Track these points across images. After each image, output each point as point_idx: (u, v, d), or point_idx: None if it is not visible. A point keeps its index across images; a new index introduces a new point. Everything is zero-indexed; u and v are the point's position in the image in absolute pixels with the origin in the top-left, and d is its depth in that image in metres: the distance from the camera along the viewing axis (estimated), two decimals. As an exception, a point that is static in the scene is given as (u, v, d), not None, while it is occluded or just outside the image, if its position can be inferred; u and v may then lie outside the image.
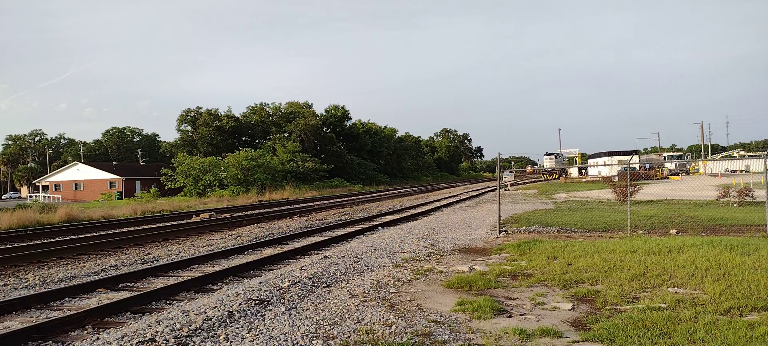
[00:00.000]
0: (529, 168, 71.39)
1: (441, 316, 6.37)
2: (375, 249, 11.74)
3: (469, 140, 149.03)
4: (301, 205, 32.51)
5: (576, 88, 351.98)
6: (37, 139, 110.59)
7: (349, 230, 17.40)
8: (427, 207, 27.02)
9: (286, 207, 31.05)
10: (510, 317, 6.29)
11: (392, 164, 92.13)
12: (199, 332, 5.84)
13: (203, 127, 68.76)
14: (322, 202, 35.45)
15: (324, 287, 8.17)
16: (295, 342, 5.54)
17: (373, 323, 6.12)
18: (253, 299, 7.16)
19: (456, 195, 38.79)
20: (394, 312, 6.60)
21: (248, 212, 27.30)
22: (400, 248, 12.06)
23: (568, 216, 18.08)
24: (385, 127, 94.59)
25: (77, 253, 13.25)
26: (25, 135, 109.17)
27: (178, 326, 5.98)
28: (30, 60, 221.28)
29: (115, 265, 11.64)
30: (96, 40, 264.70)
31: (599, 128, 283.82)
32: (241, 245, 13.66)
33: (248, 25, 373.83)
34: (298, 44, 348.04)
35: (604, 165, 36.80)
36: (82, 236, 17.25)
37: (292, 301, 7.27)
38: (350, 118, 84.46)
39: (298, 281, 8.28)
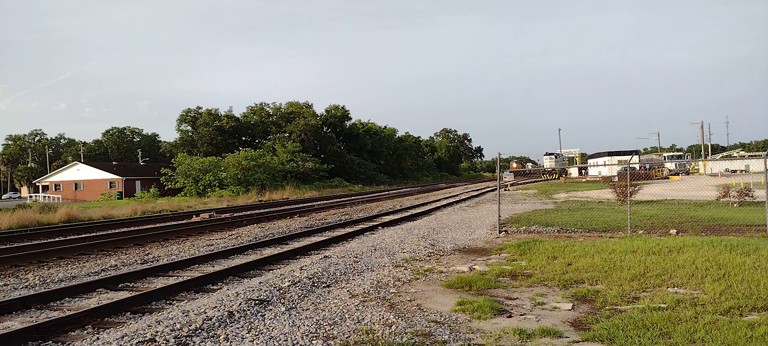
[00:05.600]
0: (513, 164, 70.17)
1: (441, 316, 6.37)
2: (375, 249, 11.73)
3: (469, 140, 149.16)
4: (301, 205, 32.51)
5: (576, 88, 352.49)
6: (37, 139, 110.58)
7: (349, 230, 17.39)
8: (427, 207, 27.02)
9: (286, 207, 31.05)
10: (510, 317, 6.29)
11: (392, 164, 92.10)
12: (199, 332, 5.84)
13: (203, 127, 68.74)
14: (322, 202, 35.45)
15: (324, 287, 8.17)
16: (295, 342, 5.54)
17: (373, 323, 6.12)
18: (253, 299, 7.16)
19: (456, 195, 38.79)
20: (394, 312, 6.60)
21: (248, 212, 27.29)
22: (400, 248, 12.05)
23: (568, 216, 18.07)
24: (385, 127, 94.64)
25: (77, 253, 13.25)
26: (25, 135, 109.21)
27: (178, 326, 5.98)
28: (30, 60, 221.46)
29: (115, 265, 11.63)
30: (96, 40, 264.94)
31: (599, 128, 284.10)
32: (241, 245, 13.66)
33: (248, 25, 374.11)
34: (298, 44, 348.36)
35: (604, 165, 36.85)
36: (82, 236, 17.24)
37: (292, 301, 7.27)
38: (350, 118, 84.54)
39: (298, 281, 8.28)
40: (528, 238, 13.10)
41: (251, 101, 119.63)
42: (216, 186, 51.53)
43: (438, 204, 28.74)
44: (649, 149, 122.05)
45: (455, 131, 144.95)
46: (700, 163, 62.48)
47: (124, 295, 8.38)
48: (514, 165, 72.59)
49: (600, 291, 7.24)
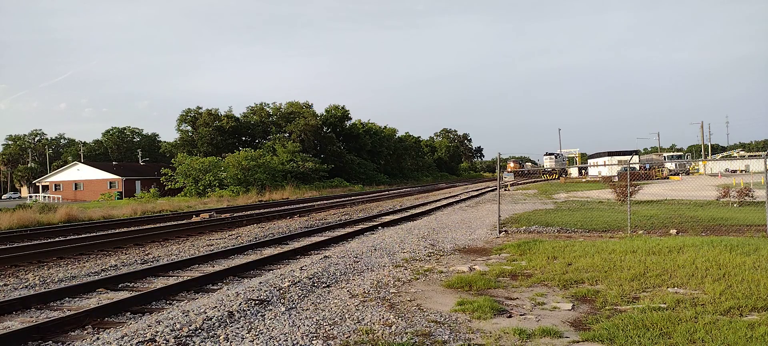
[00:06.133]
0: (510, 164, 70.04)
1: (441, 316, 6.37)
2: (375, 249, 11.73)
3: (469, 140, 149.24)
4: (301, 205, 32.51)
5: (576, 88, 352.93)
6: (37, 139, 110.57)
7: (349, 230, 17.39)
8: (427, 207, 27.01)
9: (286, 207, 31.04)
10: (510, 317, 6.29)
11: (392, 164, 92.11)
12: (199, 332, 5.84)
13: (203, 127, 68.74)
14: (322, 202, 35.45)
15: (324, 287, 8.17)
16: (295, 342, 5.54)
17: (373, 323, 6.12)
18: (253, 299, 7.16)
19: (456, 195, 38.79)
20: (394, 312, 6.60)
21: (248, 212, 27.29)
22: (400, 248, 12.05)
23: (568, 216, 18.07)
24: (385, 127, 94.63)
25: (77, 253, 13.25)
26: (25, 135, 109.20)
27: (178, 326, 5.98)
28: (30, 60, 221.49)
29: (115, 265, 11.63)
30: (96, 40, 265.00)
31: (599, 128, 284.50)
32: (241, 245, 13.66)
33: (248, 25, 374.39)
34: (298, 44, 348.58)
35: (604, 165, 36.83)
36: (82, 236, 17.24)
37: (292, 301, 7.27)
38: (350, 118, 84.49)
39: (298, 281, 8.28)
40: (528, 238, 13.10)
41: (251, 101, 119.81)
42: (216, 186, 51.53)
43: (438, 204, 28.73)
44: (649, 149, 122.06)
45: (455, 131, 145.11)
46: (700, 163, 62.48)
47: (124, 295, 8.38)
48: (511, 165, 72.23)
49: (600, 291, 7.24)
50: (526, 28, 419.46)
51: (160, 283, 9.48)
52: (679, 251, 9.73)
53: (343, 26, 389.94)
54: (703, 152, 79.74)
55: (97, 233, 18.15)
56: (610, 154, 60.24)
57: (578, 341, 5.35)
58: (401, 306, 6.90)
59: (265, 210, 29.10)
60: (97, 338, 5.75)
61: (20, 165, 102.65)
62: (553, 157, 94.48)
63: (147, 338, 5.56)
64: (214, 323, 6.15)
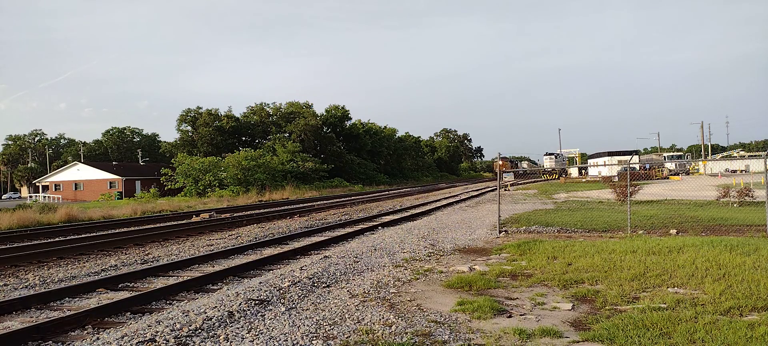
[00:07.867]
0: (499, 162, 70.01)
1: (441, 316, 6.37)
2: (375, 249, 11.74)
3: (469, 140, 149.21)
4: (301, 205, 32.51)
5: (576, 88, 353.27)
6: (37, 139, 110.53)
7: (349, 230, 17.39)
8: (427, 207, 27.02)
9: (286, 207, 31.05)
10: (510, 317, 6.29)
11: (392, 164, 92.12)
12: (199, 332, 5.84)
13: (203, 127, 68.74)
14: (322, 202, 35.45)
15: (324, 287, 8.17)
16: (295, 342, 5.54)
17: (373, 323, 6.12)
18: (253, 299, 7.16)
19: (456, 195, 38.79)
20: (394, 312, 6.60)
21: (248, 212, 27.29)
22: (400, 248, 12.05)
23: (568, 216, 18.07)
24: (385, 127, 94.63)
25: (77, 253, 13.25)
26: (25, 135, 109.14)
27: (178, 326, 5.98)
28: (30, 60, 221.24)
29: (115, 265, 11.63)
30: (96, 40, 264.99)
31: (599, 128, 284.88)
32: (241, 245, 13.66)
33: (248, 25, 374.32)
34: (298, 44, 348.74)
35: (604, 165, 36.75)
36: (82, 236, 17.24)
37: (292, 301, 7.27)
38: (350, 118, 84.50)
39: (298, 281, 8.28)
40: (528, 238, 13.10)
41: (251, 101, 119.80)
42: (216, 186, 51.53)
43: (438, 204, 28.73)
44: (649, 149, 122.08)
45: (455, 131, 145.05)
46: (700, 163, 62.46)
47: (124, 295, 8.38)
48: (500, 162, 72.03)
49: (600, 291, 7.24)
50: (527, 28, 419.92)
51: (160, 283, 9.49)
52: (679, 251, 9.73)
53: (343, 26, 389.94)
54: (703, 152, 79.72)
55: (97, 233, 18.14)
56: (610, 154, 60.22)
57: (578, 341, 5.35)
58: (401, 306, 6.90)
59: (265, 210, 29.10)
60: (97, 338, 5.76)
61: (20, 165, 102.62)
62: (553, 157, 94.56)
63: (147, 338, 5.56)
64: (214, 323, 6.15)
